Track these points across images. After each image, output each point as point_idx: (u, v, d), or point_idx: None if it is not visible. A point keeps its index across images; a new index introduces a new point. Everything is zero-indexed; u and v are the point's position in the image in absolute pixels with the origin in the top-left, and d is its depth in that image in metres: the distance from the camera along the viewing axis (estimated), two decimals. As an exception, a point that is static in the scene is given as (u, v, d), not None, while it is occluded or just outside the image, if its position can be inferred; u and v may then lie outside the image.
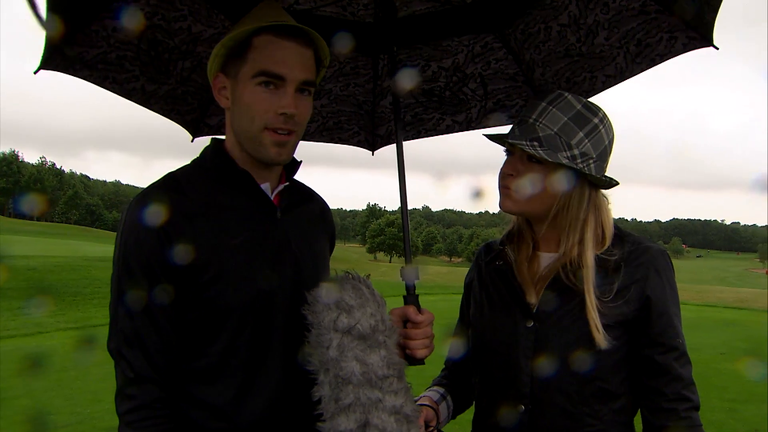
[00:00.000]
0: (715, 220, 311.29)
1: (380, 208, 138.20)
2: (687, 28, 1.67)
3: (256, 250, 1.41)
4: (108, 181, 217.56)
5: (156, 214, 1.32)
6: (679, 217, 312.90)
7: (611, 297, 1.41)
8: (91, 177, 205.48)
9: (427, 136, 2.45)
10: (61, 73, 1.56)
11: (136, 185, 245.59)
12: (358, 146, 2.53)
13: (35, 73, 1.48)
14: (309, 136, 2.39)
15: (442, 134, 2.44)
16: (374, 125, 2.46)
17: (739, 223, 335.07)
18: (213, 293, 1.34)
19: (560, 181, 1.43)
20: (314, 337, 1.35)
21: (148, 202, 1.35)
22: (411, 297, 1.55)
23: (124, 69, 1.70)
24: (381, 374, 1.31)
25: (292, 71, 1.39)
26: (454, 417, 1.67)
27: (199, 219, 1.36)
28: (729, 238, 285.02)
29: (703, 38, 1.67)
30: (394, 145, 2.51)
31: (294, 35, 1.41)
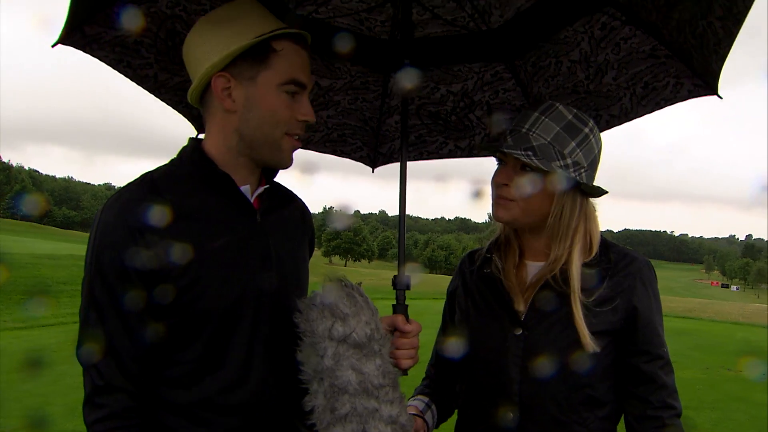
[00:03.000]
0: (664, 232, 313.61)
1: (336, 210, 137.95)
2: (694, 75, 1.71)
3: (236, 254, 1.38)
4: (58, 176, 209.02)
5: (132, 215, 1.27)
6: (630, 228, 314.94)
7: (598, 305, 1.43)
8: (41, 172, 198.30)
9: (429, 159, 2.47)
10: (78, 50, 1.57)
11: (88, 182, 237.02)
12: (359, 161, 2.54)
13: (53, 46, 1.48)
14: (312, 146, 2.41)
15: (443, 158, 2.46)
16: (378, 142, 2.48)
17: (687, 234, 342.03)
18: (191, 298, 1.30)
19: (554, 190, 1.45)
20: (307, 345, 1.33)
21: (124, 203, 1.30)
22: (400, 306, 1.54)
23: (139, 55, 1.72)
24: (377, 383, 1.30)
25: (310, 80, 1.43)
26: (437, 426, 1.66)
27: (177, 221, 1.31)
28: (677, 249, 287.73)
29: (708, 86, 1.71)
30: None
31: (305, 43, 1.44)
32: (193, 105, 1.47)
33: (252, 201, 1.45)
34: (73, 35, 1.53)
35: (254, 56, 1.36)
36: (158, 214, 1.29)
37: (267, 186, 1.49)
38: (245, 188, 1.43)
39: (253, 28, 1.36)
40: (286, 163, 1.45)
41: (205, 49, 1.37)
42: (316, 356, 1.31)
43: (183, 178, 1.40)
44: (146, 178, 1.38)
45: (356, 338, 1.30)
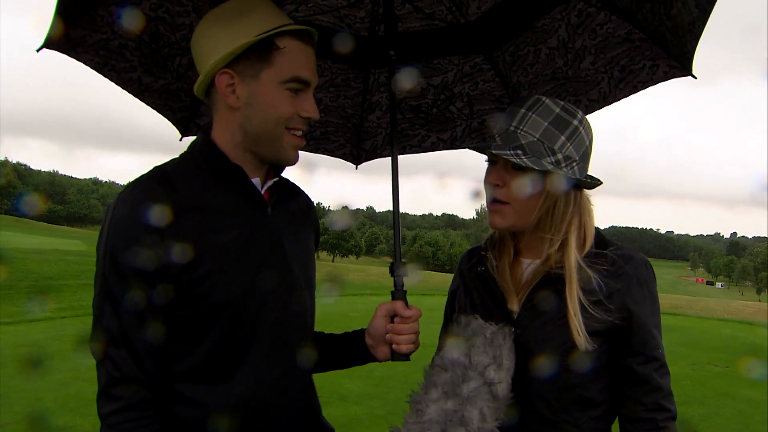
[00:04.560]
0: (651, 229, 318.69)
1: (324, 208, 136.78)
2: (668, 57, 1.77)
3: (248, 246, 1.39)
4: (43, 170, 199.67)
5: (145, 208, 1.27)
6: (618, 225, 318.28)
7: (592, 305, 1.42)
8: (29, 165, 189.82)
9: (411, 153, 2.49)
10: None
11: (74, 176, 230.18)
12: (342, 158, 2.55)
13: (38, 51, 1.47)
14: (296, 145, 2.41)
15: (426, 151, 2.49)
16: (360, 139, 2.50)
17: (672, 232, 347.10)
18: (204, 290, 1.31)
19: (548, 187, 1.43)
20: (453, 362, 1.36)
21: (137, 196, 1.31)
22: (399, 292, 1.57)
23: (124, 58, 1.71)
24: None
25: (314, 77, 1.42)
26: None
27: (189, 214, 1.32)
28: (663, 246, 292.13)
29: (683, 68, 1.77)
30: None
31: (310, 39, 1.43)
32: (200, 99, 1.46)
33: (262, 194, 1.46)
34: (58, 39, 1.52)
35: (257, 54, 1.36)
36: (171, 208, 1.30)
37: (276, 179, 1.50)
38: (255, 181, 1.44)
39: (257, 24, 1.35)
40: (291, 160, 1.45)
41: (210, 46, 1.37)
42: (457, 378, 1.34)
43: (194, 171, 1.40)
44: (158, 171, 1.38)
45: (499, 391, 1.33)
